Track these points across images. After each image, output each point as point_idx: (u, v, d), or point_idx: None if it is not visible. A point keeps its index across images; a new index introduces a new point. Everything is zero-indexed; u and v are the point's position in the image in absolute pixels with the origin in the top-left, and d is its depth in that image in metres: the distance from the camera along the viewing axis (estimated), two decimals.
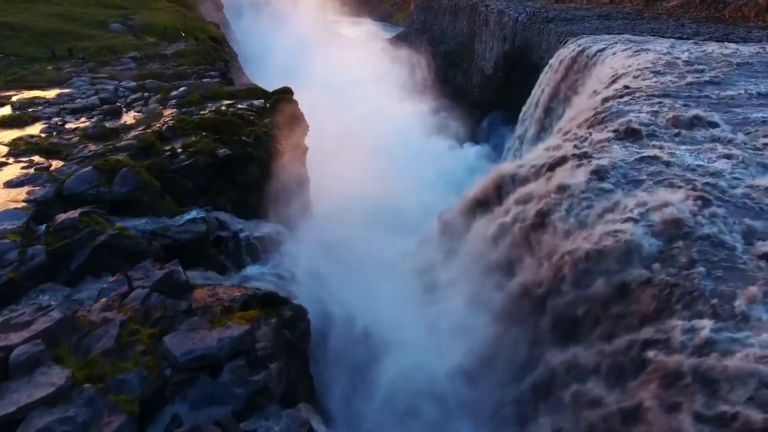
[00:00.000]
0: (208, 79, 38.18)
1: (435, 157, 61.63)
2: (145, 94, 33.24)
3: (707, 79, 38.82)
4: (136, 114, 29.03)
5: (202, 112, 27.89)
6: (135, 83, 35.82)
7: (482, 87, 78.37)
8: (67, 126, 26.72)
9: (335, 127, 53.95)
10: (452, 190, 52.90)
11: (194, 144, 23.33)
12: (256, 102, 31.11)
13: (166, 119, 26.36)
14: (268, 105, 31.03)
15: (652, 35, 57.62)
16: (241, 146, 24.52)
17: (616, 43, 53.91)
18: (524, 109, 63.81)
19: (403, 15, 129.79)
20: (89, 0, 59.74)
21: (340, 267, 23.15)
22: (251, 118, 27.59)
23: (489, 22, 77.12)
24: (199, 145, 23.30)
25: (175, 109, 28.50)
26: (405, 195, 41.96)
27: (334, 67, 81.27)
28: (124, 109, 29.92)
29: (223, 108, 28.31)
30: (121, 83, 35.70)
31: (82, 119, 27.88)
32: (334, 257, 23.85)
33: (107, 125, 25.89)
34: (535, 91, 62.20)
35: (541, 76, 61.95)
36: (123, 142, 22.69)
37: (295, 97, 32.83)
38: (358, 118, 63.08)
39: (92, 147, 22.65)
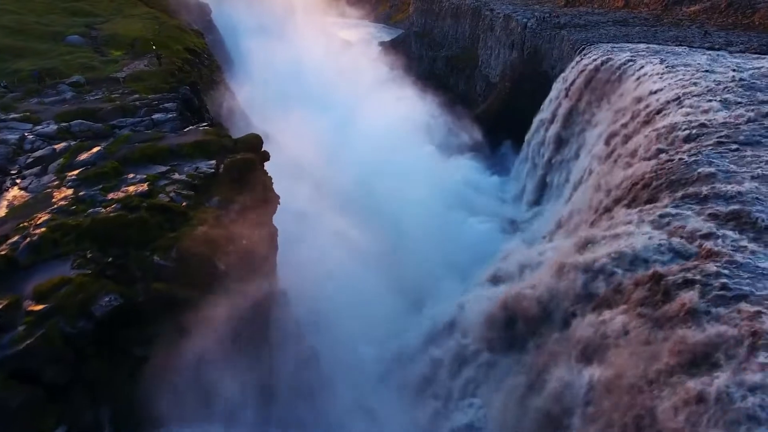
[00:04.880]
0: (161, 115, 26.42)
1: (441, 183, 50.04)
2: (59, 148, 21.45)
3: None
4: (18, 194, 17.39)
5: (110, 195, 16.29)
6: (57, 126, 23.95)
7: (487, 95, 66.23)
8: None
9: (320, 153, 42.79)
10: (462, 236, 41.77)
11: (54, 289, 11.79)
12: (204, 166, 19.40)
13: (43, 217, 14.79)
14: (221, 169, 19.43)
15: (679, 45, 45.61)
16: (146, 279, 12.96)
17: (642, 54, 41.96)
18: (532, 128, 52.02)
19: (402, 16, 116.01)
20: (54, 6, 47.27)
21: None
22: (183, 206, 15.95)
23: (494, 27, 64.59)
24: (63, 292, 11.73)
25: (72, 189, 16.88)
26: (408, 256, 30.58)
27: (327, 72, 69.46)
28: (8, 185, 18.26)
29: (144, 189, 16.55)
30: (37, 127, 23.81)
31: None
32: None
33: None
34: (546, 108, 50.34)
35: (553, 90, 50.09)
36: None
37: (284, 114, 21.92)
38: (351, 138, 51.79)
39: None
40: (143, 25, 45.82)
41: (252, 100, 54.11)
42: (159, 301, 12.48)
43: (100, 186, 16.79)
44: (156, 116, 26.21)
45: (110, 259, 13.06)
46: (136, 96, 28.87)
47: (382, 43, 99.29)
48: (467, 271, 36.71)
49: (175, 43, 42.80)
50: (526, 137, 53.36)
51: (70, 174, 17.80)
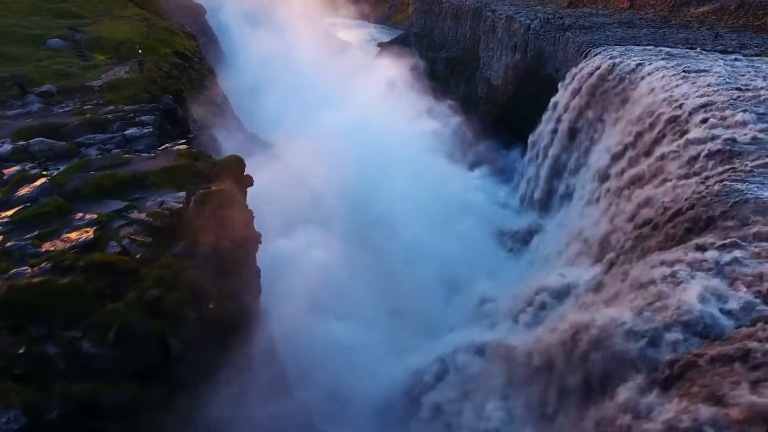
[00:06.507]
0: (135, 130, 22.66)
1: (440, 188, 46.43)
2: (8, 174, 17.75)
3: None
4: None
5: (46, 246, 12.63)
6: (12, 146, 20.28)
7: (489, 98, 62.36)
8: None
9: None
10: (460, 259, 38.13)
11: None
12: (171, 199, 15.69)
13: None
14: (191, 203, 15.75)
15: (690, 47, 41.77)
16: (70, 376, 9.34)
17: (653, 57, 38.07)
18: (535, 133, 48.17)
19: (401, 17, 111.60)
20: (38, 8, 43.23)
21: None
22: (135, 260, 12.29)
23: (496, 28, 60.60)
24: None
25: (1, 236, 13.23)
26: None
27: (325, 74, 65.56)
28: None
29: (90, 236, 12.88)
30: None
31: None
32: None
33: None
34: (549, 114, 46.45)
35: (558, 94, 46.20)
36: None
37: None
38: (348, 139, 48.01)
39: None
40: (131, 27, 41.80)
41: (247, 104, 50.48)
42: (80, 412, 8.83)
43: (36, 232, 13.09)
44: (130, 131, 22.48)
45: (23, 349, 9.39)
46: (111, 108, 25.00)
47: (381, 44, 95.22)
48: (467, 291, 33.71)
49: (163, 46, 38.95)
50: (529, 142, 49.70)
51: (3, 214, 14.06)
